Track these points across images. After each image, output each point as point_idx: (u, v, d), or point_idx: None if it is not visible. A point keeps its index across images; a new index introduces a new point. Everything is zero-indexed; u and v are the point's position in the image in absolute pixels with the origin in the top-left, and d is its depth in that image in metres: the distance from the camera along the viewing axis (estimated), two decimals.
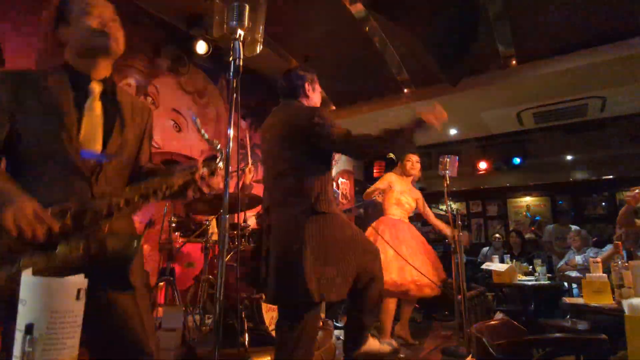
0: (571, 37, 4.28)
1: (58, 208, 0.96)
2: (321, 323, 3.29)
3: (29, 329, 0.48)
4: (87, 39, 1.13)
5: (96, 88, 1.16)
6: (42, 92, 1.08)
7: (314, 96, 2.12)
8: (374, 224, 3.41)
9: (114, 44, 1.16)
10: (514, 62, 4.68)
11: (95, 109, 1.14)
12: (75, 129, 1.08)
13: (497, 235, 6.08)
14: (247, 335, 2.57)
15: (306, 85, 2.07)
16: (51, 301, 0.51)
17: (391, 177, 3.64)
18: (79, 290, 0.53)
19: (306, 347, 1.75)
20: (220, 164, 1.23)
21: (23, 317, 0.50)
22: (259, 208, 3.66)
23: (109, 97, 1.19)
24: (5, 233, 0.89)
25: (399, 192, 3.53)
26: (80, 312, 0.54)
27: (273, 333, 2.69)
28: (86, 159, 1.09)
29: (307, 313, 1.74)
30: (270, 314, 2.72)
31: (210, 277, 2.92)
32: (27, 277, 0.52)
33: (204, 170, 1.18)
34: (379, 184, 3.62)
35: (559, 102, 5.55)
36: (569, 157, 7.52)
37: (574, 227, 4.79)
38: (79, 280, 0.54)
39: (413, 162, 3.65)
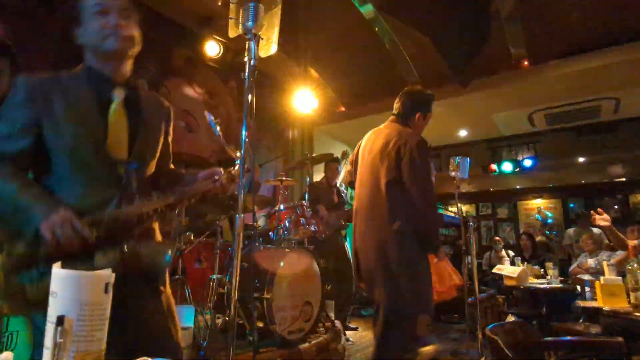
0: (584, 37, 4.23)
1: (91, 218, 0.98)
2: (330, 324, 3.30)
3: (60, 320, 0.49)
4: (98, 42, 1.10)
5: (120, 93, 1.14)
6: (69, 97, 1.08)
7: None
8: None
9: (125, 44, 1.12)
10: (525, 63, 4.64)
11: (120, 114, 1.13)
12: (102, 136, 1.08)
13: (497, 238, 6.02)
14: (256, 334, 2.57)
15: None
16: (81, 294, 0.52)
17: None
18: (106, 284, 0.54)
19: None
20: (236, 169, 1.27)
21: (54, 309, 0.52)
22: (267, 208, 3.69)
23: (132, 100, 1.18)
24: (44, 243, 0.91)
25: None
26: (108, 305, 0.55)
27: (283, 333, 2.70)
28: (114, 166, 1.10)
29: None
30: (280, 314, 2.72)
31: (221, 276, 2.93)
32: (57, 270, 0.53)
33: (224, 177, 1.22)
34: None
35: (571, 104, 5.49)
36: (581, 159, 7.42)
37: (595, 230, 4.71)
38: (107, 274, 0.55)
39: None
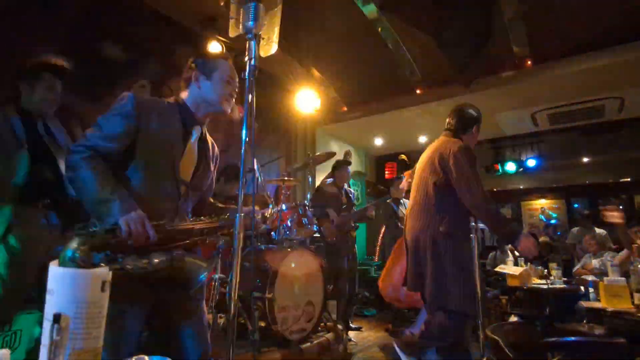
0: (588, 36, 4.21)
1: (155, 223, 1.15)
2: (332, 324, 3.30)
3: (56, 318, 0.49)
4: (217, 100, 1.41)
5: (198, 130, 1.42)
6: (164, 119, 1.32)
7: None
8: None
9: (231, 113, 1.46)
10: (529, 62, 4.61)
11: (194, 147, 1.41)
12: (179, 158, 1.33)
13: None
14: (258, 334, 2.58)
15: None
16: (78, 292, 0.52)
17: None
18: (103, 282, 0.55)
19: None
20: (271, 211, 1.55)
21: (51, 306, 0.52)
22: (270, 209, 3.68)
23: (203, 139, 1.46)
24: (119, 233, 1.08)
25: None
26: (105, 303, 0.56)
27: (285, 333, 2.70)
28: (180, 184, 1.33)
29: None
30: (282, 314, 2.72)
31: (223, 276, 2.94)
32: (54, 268, 0.53)
33: (259, 217, 1.46)
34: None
35: (575, 103, 5.45)
36: (585, 159, 7.37)
37: (598, 230, 4.68)
38: (104, 273, 0.55)
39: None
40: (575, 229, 5.58)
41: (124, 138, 1.24)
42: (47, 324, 0.51)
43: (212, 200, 1.60)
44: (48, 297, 0.53)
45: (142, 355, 0.55)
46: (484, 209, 2.01)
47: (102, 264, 0.99)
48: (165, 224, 1.18)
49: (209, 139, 1.52)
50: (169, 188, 1.30)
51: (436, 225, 2.11)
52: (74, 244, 0.98)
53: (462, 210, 2.08)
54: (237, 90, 1.46)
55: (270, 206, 1.55)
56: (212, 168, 1.53)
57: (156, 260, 1.11)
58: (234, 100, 1.47)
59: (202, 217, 1.32)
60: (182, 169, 1.35)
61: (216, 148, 1.60)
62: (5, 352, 0.50)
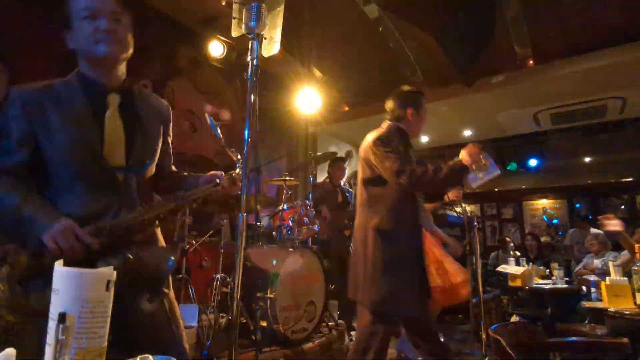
0: (590, 36, 4.20)
1: (94, 227, 0.99)
2: (334, 324, 3.30)
3: (62, 317, 0.50)
4: (89, 47, 1.07)
5: (114, 99, 1.12)
6: (63, 106, 1.06)
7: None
8: None
9: (116, 48, 1.08)
10: (531, 62, 4.61)
11: (115, 120, 1.11)
12: (99, 143, 1.06)
13: (508, 238, 5.98)
14: (260, 334, 2.58)
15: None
16: (82, 291, 0.52)
17: None
18: (108, 282, 0.55)
19: None
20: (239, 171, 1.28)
21: (56, 306, 0.52)
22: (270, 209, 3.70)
23: (128, 104, 1.15)
24: (48, 253, 0.92)
25: None
26: (110, 303, 0.56)
27: (286, 333, 2.70)
28: (112, 173, 1.09)
29: None
30: (283, 314, 2.73)
31: (225, 275, 2.95)
32: (59, 268, 0.54)
33: (225, 180, 1.24)
34: None
35: (577, 103, 5.45)
36: (587, 159, 7.36)
37: (593, 231, 4.68)
38: (109, 272, 0.55)
39: None
40: (572, 230, 5.57)
41: (22, 146, 1.03)
42: (52, 324, 0.51)
43: (174, 168, 1.37)
44: (53, 297, 0.53)
45: (146, 355, 0.56)
46: (413, 184, 1.83)
47: (34, 293, 0.87)
48: (105, 225, 1.00)
49: (141, 100, 1.21)
50: (101, 182, 1.07)
51: (368, 223, 1.97)
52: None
53: (394, 204, 1.95)
54: (112, 25, 1.08)
55: (238, 165, 1.30)
56: (158, 132, 1.24)
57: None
58: (109, 37, 1.07)
59: (153, 202, 1.13)
60: (110, 152, 1.08)
61: (163, 103, 1.31)
62: (11, 351, 0.50)
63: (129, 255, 1.00)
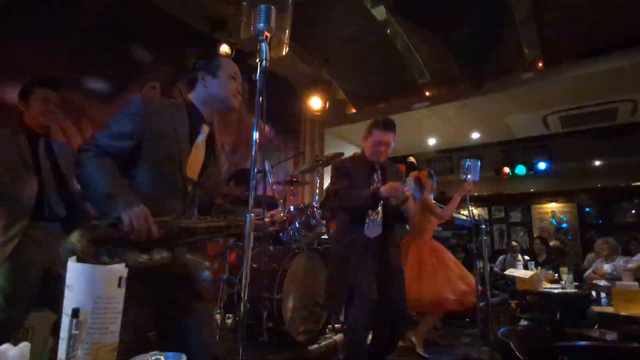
0: (601, 38, 4.16)
1: (160, 219, 1.16)
2: (340, 326, 3.29)
3: (75, 312, 0.50)
4: (224, 97, 1.43)
5: (205, 130, 1.43)
6: (172, 120, 1.34)
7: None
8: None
9: (236, 107, 1.49)
10: (540, 64, 4.57)
11: (201, 146, 1.41)
12: (186, 158, 1.34)
13: (514, 243, 5.92)
14: (266, 334, 2.58)
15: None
16: (95, 287, 0.53)
17: None
18: (120, 278, 0.55)
19: None
20: (280, 214, 1.51)
21: (70, 301, 0.53)
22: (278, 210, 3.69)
23: (211, 138, 1.46)
24: (121, 227, 1.09)
25: None
26: (121, 299, 0.57)
27: (292, 334, 2.70)
28: (187, 184, 1.33)
29: None
30: (290, 315, 2.73)
31: (232, 276, 2.95)
32: (72, 264, 0.54)
33: (267, 219, 1.49)
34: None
35: (587, 106, 5.39)
36: (597, 163, 7.27)
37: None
38: (120, 269, 0.56)
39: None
40: (590, 255, 5.33)
41: (130, 138, 1.26)
42: (65, 319, 0.52)
43: (221, 201, 1.59)
44: (67, 292, 0.54)
45: (156, 351, 0.56)
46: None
47: (103, 257, 1.03)
48: (169, 221, 1.18)
49: (218, 138, 1.52)
50: (175, 187, 1.31)
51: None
52: (75, 236, 1.01)
53: (344, 214, 2.27)
54: (241, 88, 1.47)
55: (280, 209, 1.55)
56: (221, 168, 1.54)
57: (157, 257, 1.11)
58: (241, 97, 1.48)
59: (208, 217, 1.32)
60: (189, 168, 1.35)
61: (226, 148, 1.62)
62: (26, 345, 0.51)
63: (178, 252, 1.17)
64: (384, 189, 2.04)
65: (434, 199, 3.54)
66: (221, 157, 1.52)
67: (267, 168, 1.59)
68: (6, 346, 0.52)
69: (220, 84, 1.43)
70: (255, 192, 1.36)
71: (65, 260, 0.94)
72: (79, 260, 0.94)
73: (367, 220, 2.20)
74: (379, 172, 2.33)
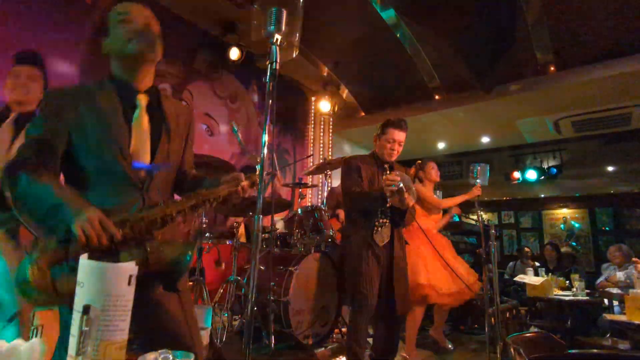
0: (614, 42, 4.10)
1: (118, 218, 1.03)
2: (346, 330, 3.27)
3: (86, 309, 0.51)
4: (121, 46, 1.16)
5: (143, 100, 1.20)
6: (95, 106, 1.14)
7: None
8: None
9: (146, 47, 1.18)
10: (552, 68, 4.52)
11: (143, 120, 1.19)
12: (126, 141, 1.14)
13: (527, 248, 5.84)
14: (272, 337, 2.58)
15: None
16: (106, 285, 0.54)
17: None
18: (130, 276, 0.56)
19: None
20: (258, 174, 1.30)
21: (80, 298, 0.53)
22: (286, 212, 3.70)
23: (155, 107, 1.24)
24: (74, 240, 0.96)
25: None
26: (131, 296, 0.57)
27: (299, 337, 2.69)
28: (137, 170, 1.15)
29: None
30: (296, 318, 2.72)
31: (239, 278, 2.96)
32: (84, 261, 0.55)
33: (246, 182, 1.27)
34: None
35: (600, 111, 5.31)
36: (610, 168, 7.16)
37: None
38: (131, 267, 0.57)
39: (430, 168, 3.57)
40: (605, 265, 5.23)
41: (55, 140, 1.10)
42: (76, 315, 0.53)
43: (194, 172, 1.42)
44: (78, 289, 0.55)
45: (164, 349, 0.56)
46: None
47: (67, 275, 0.92)
48: (130, 217, 1.05)
49: (167, 103, 1.29)
50: (123, 177, 1.13)
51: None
52: (26, 264, 0.91)
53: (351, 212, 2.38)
54: (145, 20, 1.20)
55: (258, 167, 1.31)
56: (182, 135, 1.32)
57: (126, 259, 1.00)
58: (141, 39, 1.17)
59: (174, 199, 1.17)
60: (136, 150, 1.16)
61: (187, 108, 1.40)
62: (37, 341, 0.52)
63: (149, 248, 1.05)
64: (383, 180, 2.07)
65: (438, 193, 3.54)
66: (176, 124, 1.28)
67: (233, 126, 1.46)
68: (17, 341, 0.53)
69: (113, 38, 1.19)
70: (272, 193, 1.30)
71: (19, 290, 0.90)
72: (35, 289, 0.88)
73: (375, 225, 2.24)
74: (388, 172, 2.34)
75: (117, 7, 1.19)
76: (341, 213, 3.95)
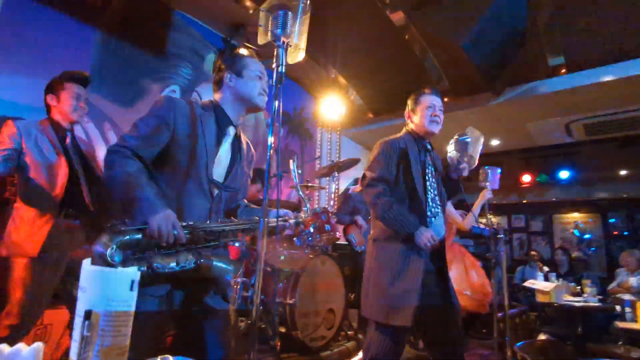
0: (628, 43, 4.03)
1: (186, 223, 1.17)
2: (353, 333, 3.26)
3: (87, 314, 0.51)
4: (250, 96, 1.43)
5: (232, 131, 1.44)
6: (197, 123, 1.34)
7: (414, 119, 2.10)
8: None
9: (264, 105, 1.49)
10: (563, 70, 4.45)
11: (228, 148, 1.42)
12: (212, 161, 1.35)
13: (534, 252, 5.76)
14: (278, 340, 2.58)
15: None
16: (108, 290, 0.54)
17: None
18: (132, 282, 0.56)
19: None
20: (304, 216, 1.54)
21: (82, 303, 0.53)
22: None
23: (237, 140, 1.47)
24: (146, 232, 1.10)
25: None
26: (133, 302, 0.57)
27: (305, 340, 2.69)
28: (213, 184, 1.34)
29: None
30: (302, 321, 2.72)
31: (245, 279, 2.96)
32: (86, 267, 0.55)
33: (292, 220, 1.47)
34: None
35: (613, 113, 5.22)
36: (622, 172, 7.02)
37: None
38: (133, 272, 0.57)
39: None
40: (620, 270, 5.14)
41: (158, 139, 1.27)
42: (78, 320, 0.53)
43: (246, 201, 1.60)
44: (80, 294, 0.55)
45: (166, 355, 0.56)
46: (372, 202, 1.90)
47: (130, 262, 1.03)
48: (195, 225, 1.19)
49: (244, 138, 1.52)
50: (201, 190, 1.32)
51: (370, 235, 2.01)
52: (103, 241, 1.01)
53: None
54: (267, 87, 1.48)
55: (306, 209, 1.52)
56: (247, 169, 1.54)
57: (183, 261, 1.13)
58: (266, 96, 1.47)
59: (232, 219, 1.32)
60: (216, 169, 1.36)
61: (251, 148, 1.61)
62: (40, 345, 0.52)
63: (203, 256, 1.18)
64: (418, 238, 1.77)
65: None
66: (246, 158, 1.52)
67: (292, 168, 1.59)
68: (20, 345, 0.53)
69: (246, 83, 1.43)
70: (278, 195, 1.39)
71: (97, 262, 0.97)
72: (106, 264, 0.99)
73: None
74: (429, 157, 2.04)
75: (255, 64, 1.50)
76: (359, 219, 3.93)
